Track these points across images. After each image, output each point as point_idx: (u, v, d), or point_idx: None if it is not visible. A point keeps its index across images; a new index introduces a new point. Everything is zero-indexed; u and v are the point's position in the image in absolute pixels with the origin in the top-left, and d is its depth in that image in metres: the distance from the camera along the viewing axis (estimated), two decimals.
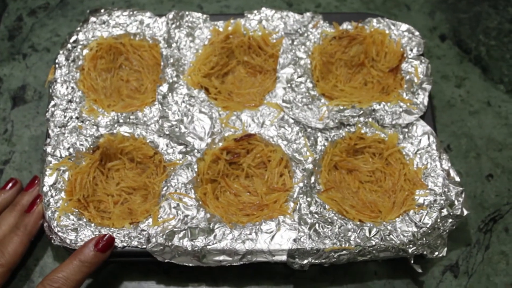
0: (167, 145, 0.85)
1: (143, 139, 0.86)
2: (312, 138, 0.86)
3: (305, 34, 0.93)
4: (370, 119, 0.86)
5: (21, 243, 0.80)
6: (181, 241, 0.77)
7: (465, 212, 0.80)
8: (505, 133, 0.95)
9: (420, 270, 0.80)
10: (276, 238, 0.78)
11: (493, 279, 0.85)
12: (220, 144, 0.86)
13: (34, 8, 1.07)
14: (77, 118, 0.87)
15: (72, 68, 0.90)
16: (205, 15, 0.94)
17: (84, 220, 0.80)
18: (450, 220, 0.79)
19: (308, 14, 0.94)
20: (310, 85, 0.89)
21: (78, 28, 0.93)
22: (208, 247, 0.77)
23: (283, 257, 0.78)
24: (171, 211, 0.80)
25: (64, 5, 1.07)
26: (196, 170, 0.84)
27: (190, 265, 0.78)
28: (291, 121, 0.87)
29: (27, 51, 1.03)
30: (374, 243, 0.78)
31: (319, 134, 0.86)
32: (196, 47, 0.92)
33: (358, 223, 0.79)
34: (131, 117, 0.87)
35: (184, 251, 0.77)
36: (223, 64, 0.94)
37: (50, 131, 0.86)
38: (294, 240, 0.78)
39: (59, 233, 0.79)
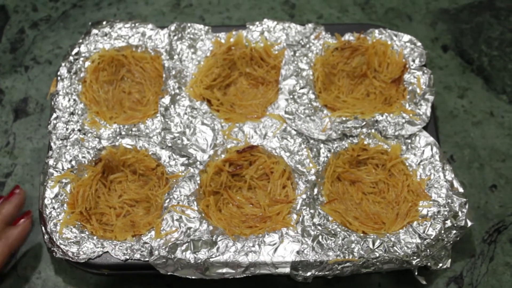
0: (169, 157, 0.85)
1: (145, 151, 0.86)
2: (315, 149, 0.86)
3: (307, 45, 0.93)
4: (373, 130, 0.86)
5: (5, 251, 0.80)
6: (184, 253, 0.77)
7: (469, 223, 0.79)
8: (508, 143, 0.95)
9: (424, 282, 0.80)
10: (279, 250, 0.77)
11: None
12: (223, 156, 0.86)
13: (36, 20, 1.07)
14: (79, 130, 0.87)
15: (74, 81, 0.90)
16: (207, 27, 0.94)
17: (87, 233, 0.80)
18: (454, 231, 0.79)
19: (310, 25, 0.94)
20: (312, 96, 0.89)
21: (80, 41, 0.93)
22: (211, 259, 0.77)
23: (287, 270, 0.77)
24: (174, 223, 0.80)
25: (66, 17, 1.08)
26: (198, 182, 0.83)
27: (193, 278, 0.77)
28: (294, 132, 0.87)
29: (29, 63, 1.03)
30: (377, 255, 0.77)
31: (321, 145, 0.86)
32: (198, 58, 0.92)
33: (362, 234, 0.79)
34: (133, 129, 0.87)
35: (187, 264, 0.77)
36: (225, 76, 0.94)
37: (52, 144, 0.86)
38: (298, 252, 0.77)
39: (61, 246, 0.78)
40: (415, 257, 0.78)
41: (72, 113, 0.88)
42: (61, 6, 1.09)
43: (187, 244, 0.78)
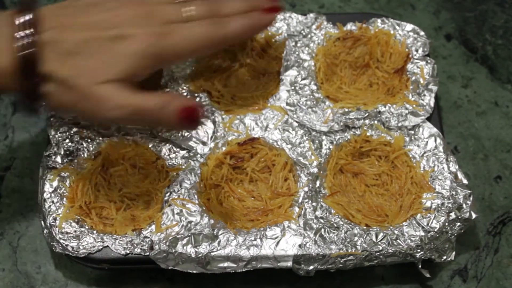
0: (169, 150, 0.84)
1: (145, 144, 0.85)
2: (317, 141, 0.85)
3: (309, 36, 0.92)
4: (375, 122, 0.85)
5: (246, 26, 0.73)
6: (184, 247, 0.76)
7: (474, 216, 0.78)
8: None
9: (428, 275, 0.79)
10: (281, 244, 0.77)
11: (502, 283, 0.84)
12: (224, 148, 0.85)
13: None
14: (78, 123, 0.86)
15: None
16: None
17: (86, 227, 0.79)
18: (458, 223, 0.78)
19: (311, 15, 0.93)
20: (314, 87, 0.88)
21: None
22: (212, 253, 0.76)
23: (289, 263, 0.76)
24: (174, 217, 0.79)
25: None
26: (199, 175, 0.83)
27: (194, 272, 0.77)
28: (295, 124, 0.86)
29: None
30: (381, 248, 0.76)
31: (324, 137, 0.85)
32: None
33: (365, 227, 0.78)
34: None
35: (188, 258, 0.76)
36: (226, 67, 0.93)
37: (50, 137, 0.85)
38: (300, 245, 0.76)
39: (61, 241, 0.78)
40: (418, 250, 0.77)
41: None
42: None
43: (188, 238, 0.77)
